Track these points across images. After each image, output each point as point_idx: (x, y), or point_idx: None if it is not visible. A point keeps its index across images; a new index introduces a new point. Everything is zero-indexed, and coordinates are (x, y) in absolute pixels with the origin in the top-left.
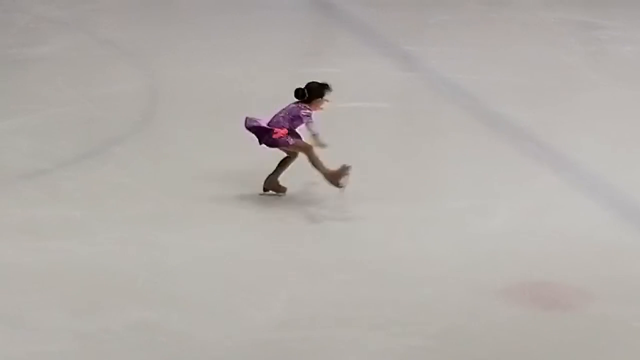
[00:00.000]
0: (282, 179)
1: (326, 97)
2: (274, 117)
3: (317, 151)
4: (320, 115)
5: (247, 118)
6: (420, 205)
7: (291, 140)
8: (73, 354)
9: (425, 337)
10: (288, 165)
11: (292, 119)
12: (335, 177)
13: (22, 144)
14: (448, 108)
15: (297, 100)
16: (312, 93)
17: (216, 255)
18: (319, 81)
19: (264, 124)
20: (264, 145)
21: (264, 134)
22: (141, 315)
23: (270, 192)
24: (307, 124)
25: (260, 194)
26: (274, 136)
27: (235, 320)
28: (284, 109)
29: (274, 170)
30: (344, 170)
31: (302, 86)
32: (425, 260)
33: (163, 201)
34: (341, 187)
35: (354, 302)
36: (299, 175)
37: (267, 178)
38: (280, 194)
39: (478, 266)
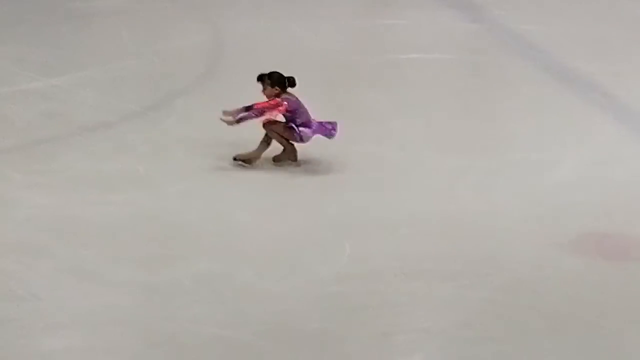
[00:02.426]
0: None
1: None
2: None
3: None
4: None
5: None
6: (485, 157)
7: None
8: (140, 307)
9: (491, 289)
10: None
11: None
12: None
13: (87, 98)
14: (514, 59)
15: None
16: None
17: (281, 209)
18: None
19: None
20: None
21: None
22: (208, 267)
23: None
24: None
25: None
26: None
27: (300, 274)
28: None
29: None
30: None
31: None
32: (491, 212)
33: (228, 155)
34: (276, 161)
35: (420, 255)
36: (359, 133)
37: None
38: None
39: (544, 218)
